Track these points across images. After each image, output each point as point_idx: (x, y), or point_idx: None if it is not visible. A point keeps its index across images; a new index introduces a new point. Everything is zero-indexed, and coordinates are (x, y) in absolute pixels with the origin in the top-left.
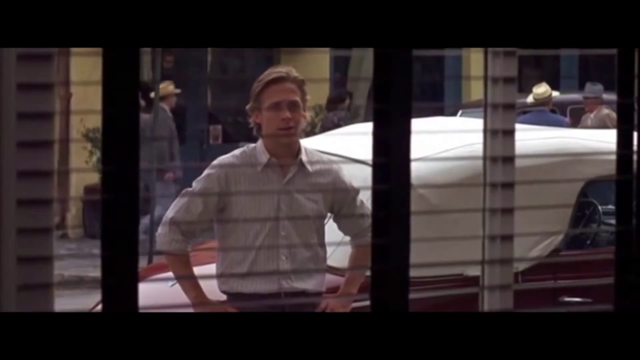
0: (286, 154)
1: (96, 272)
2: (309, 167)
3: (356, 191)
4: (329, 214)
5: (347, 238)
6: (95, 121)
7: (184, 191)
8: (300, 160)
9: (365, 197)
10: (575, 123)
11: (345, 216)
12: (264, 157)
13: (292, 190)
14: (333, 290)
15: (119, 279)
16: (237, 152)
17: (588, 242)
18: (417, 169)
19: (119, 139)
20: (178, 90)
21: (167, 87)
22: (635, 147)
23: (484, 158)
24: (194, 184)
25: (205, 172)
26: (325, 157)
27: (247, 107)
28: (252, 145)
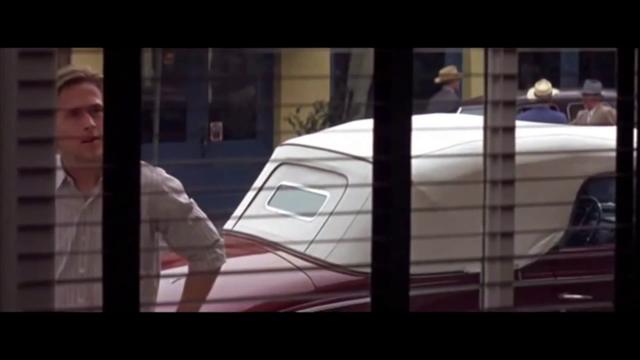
0: (88, 171)
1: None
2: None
3: (187, 207)
4: (158, 234)
5: (349, 234)
6: None
7: None
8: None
9: (365, 195)
10: (575, 120)
11: (172, 237)
12: (61, 177)
13: (96, 213)
14: (332, 287)
15: (120, 276)
16: None
17: (588, 239)
18: (418, 166)
19: (121, 136)
20: (461, 74)
21: (451, 70)
22: (635, 145)
23: (484, 155)
24: None
25: None
26: (145, 169)
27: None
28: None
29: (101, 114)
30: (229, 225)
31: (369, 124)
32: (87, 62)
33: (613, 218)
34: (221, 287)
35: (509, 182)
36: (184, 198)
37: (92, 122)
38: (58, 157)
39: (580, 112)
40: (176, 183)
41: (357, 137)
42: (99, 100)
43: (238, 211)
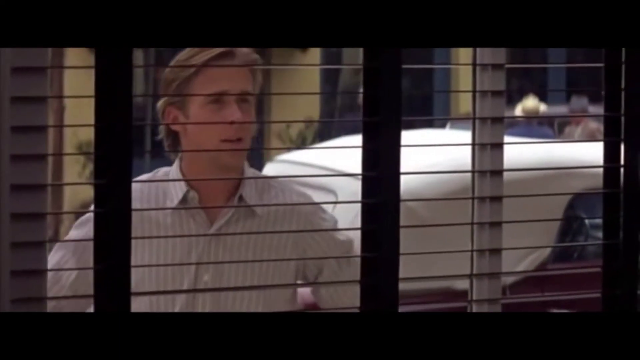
0: (219, 185)
1: None
2: (255, 207)
3: (346, 246)
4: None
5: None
6: (88, 134)
7: (57, 245)
8: (241, 196)
9: (354, 212)
10: (563, 136)
11: (325, 287)
12: (178, 191)
13: (224, 246)
14: None
15: (112, 292)
16: (139, 185)
17: (576, 255)
18: (406, 182)
19: (111, 152)
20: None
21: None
22: (622, 161)
23: (472, 171)
24: (71, 231)
25: (87, 214)
26: (288, 186)
27: (159, 104)
28: (165, 169)
29: (250, 106)
30: None
31: (358, 140)
32: (79, 76)
33: (600, 234)
34: None
35: (497, 199)
36: (341, 234)
37: (239, 114)
38: (176, 165)
39: (567, 129)
40: (330, 214)
41: (346, 153)
42: (251, 88)
43: None
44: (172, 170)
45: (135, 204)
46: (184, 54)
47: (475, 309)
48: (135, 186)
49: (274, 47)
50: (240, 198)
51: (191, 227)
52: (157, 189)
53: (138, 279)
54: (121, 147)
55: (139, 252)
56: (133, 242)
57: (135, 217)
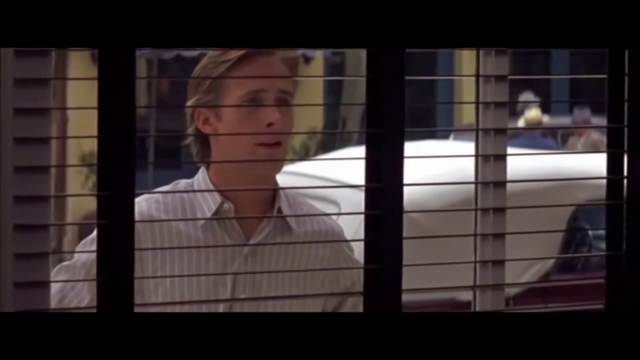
0: (254, 196)
1: None
2: (292, 223)
3: (359, 264)
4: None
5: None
6: (91, 145)
7: (58, 267)
8: (279, 208)
9: (357, 223)
10: (566, 148)
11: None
12: (209, 202)
13: (261, 265)
14: None
15: (115, 304)
16: (157, 196)
17: (579, 266)
18: (409, 193)
19: (114, 163)
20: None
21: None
22: (625, 172)
23: (476, 182)
24: (76, 255)
25: (92, 235)
26: (315, 209)
27: (189, 104)
28: (185, 181)
29: (289, 109)
30: None
31: (361, 151)
32: (82, 87)
33: (604, 245)
34: None
35: (500, 210)
36: (353, 253)
37: (278, 115)
38: (203, 172)
39: (570, 140)
40: (350, 244)
41: (350, 164)
42: (290, 88)
43: None
44: (199, 180)
45: (160, 216)
46: (216, 51)
47: None
48: (154, 198)
49: (275, 47)
50: (279, 211)
51: (224, 240)
52: (182, 200)
53: (167, 298)
54: (124, 159)
55: (167, 269)
56: (160, 257)
57: (161, 230)
